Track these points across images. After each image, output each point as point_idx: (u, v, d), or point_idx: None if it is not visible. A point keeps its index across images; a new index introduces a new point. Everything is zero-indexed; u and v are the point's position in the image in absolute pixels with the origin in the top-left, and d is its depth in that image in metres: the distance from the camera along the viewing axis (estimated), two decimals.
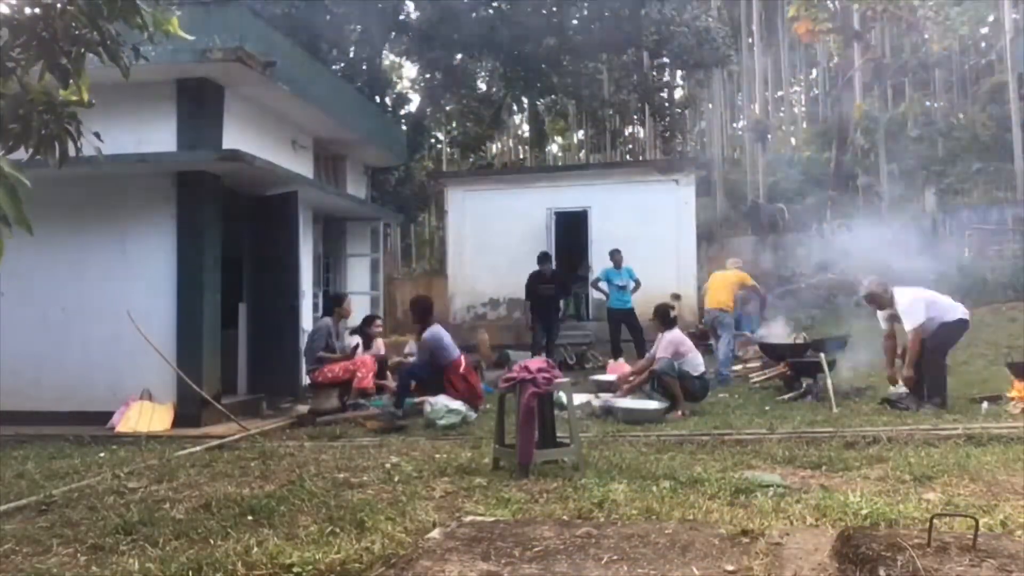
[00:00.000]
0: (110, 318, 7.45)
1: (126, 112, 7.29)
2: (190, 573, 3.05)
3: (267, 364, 8.53)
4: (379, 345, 9.12)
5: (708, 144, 36.35)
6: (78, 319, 7.68)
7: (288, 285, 8.35)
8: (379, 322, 8.72)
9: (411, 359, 8.72)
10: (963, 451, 4.97)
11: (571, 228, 14.67)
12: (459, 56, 20.40)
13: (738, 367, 10.26)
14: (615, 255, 11.76)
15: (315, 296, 9.97)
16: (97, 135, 3.45)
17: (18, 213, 2.83)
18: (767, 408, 7.48)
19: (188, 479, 4.92)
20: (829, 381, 7.57)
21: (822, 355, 8.05)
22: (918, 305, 7.01)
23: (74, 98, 3.39)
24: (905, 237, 17.84)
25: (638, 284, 11.53)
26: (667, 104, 23.07)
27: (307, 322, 8.79)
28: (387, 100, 19.90)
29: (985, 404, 6.78)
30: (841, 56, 26.27)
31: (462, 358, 8.07)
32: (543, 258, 11.80)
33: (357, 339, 8.81)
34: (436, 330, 8.08)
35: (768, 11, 33.39)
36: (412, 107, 22.17)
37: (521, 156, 40.74)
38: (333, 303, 8.66)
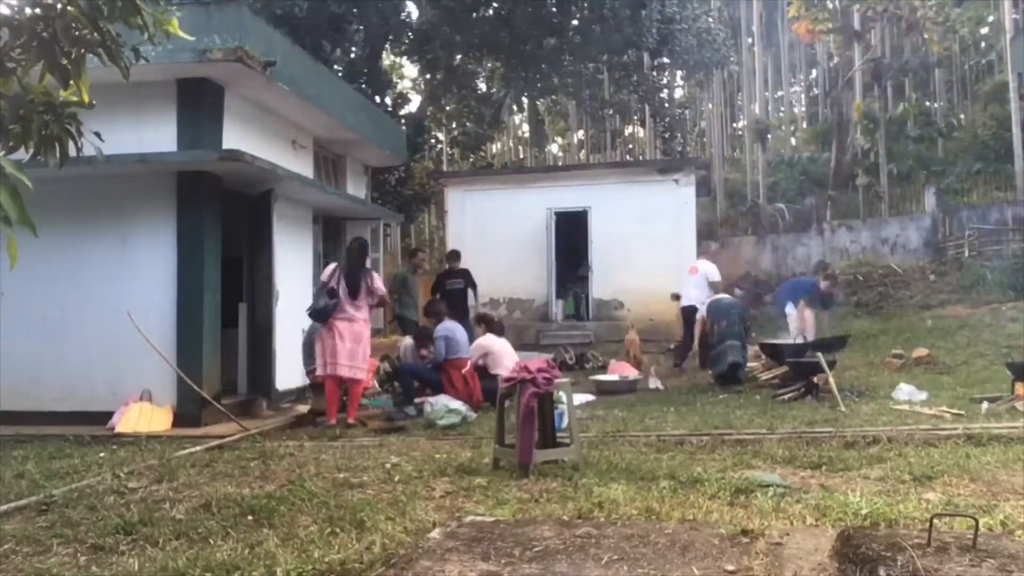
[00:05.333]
0: (110, 318, 7.46)
1: (126, 112, 7.29)
2: (190, 573, 3.06)
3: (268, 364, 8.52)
4: None
5: (708, 144, 36.35)
6: (78, 319, 7.68)
7: (264, 284, 8.36)
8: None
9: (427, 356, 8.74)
10: (963, 451, 4.98)
11: (571, 228, 14.67)
12: (459, 56, 20.39)
13: None
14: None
15: None
16: (98, 135, 3.45)
17: (21, 214, 2.83)
18: (741, 404, 7.48)
19: (188, 479, 4.92)
20: (832, 381, 7.57)
21: (820, 355, 8.05)
22: None
23: (74, 99, 3.39)
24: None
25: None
26: (667, 104, 23.05)
27: (298, 323, 8.69)
28: (387, 100, 19.89)
29: (985, 404, 6.78)
30: (841, 56, 26.26)
31: (469, 361, 8.12)
32: (452, 256, 11.97)
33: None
34: (448, 324, 8.29)
35: (768, 11, 33.39)
36: (412, 107, 22.16)
37: (521, 156, 40.74)
38: None
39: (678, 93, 31.66)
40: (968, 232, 18.11)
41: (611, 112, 30.56)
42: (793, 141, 36.32)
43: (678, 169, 15.00)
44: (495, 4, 18.95)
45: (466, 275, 11.46)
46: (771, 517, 3.54)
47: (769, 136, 29.92)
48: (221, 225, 7.90)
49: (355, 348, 7.25)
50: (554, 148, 40.90)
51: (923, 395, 7.51)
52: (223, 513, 3.97)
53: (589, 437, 5.85)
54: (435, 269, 15.56)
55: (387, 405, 8.10)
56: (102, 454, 5.90)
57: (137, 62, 3.59)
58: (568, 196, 14.94)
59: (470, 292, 11.50)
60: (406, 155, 14.16)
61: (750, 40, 31.74)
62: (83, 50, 3.33)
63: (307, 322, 8.03)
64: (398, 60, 27.39)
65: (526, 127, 37.10)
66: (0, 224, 2.83)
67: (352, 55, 19.35)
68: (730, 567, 2.80)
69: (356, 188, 11.82)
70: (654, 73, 22.63)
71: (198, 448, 5.99)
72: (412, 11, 19.98)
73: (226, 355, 8.08)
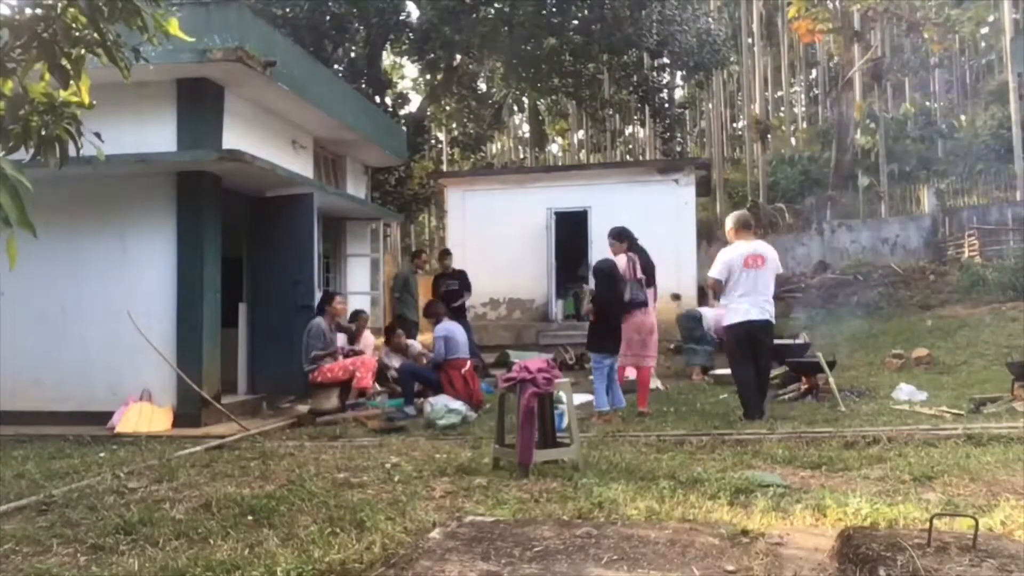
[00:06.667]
0: (110, 318, 7.46)
1: (126, 112, 7.29)
2: (190, 573, 3.06)
3: (269, 364, 8.53)
4: (367, 340, 9.05)
5: (708, 144, 36.37)
6: (78, 319, 7.68)
7: (301, 286, 8.38)
8: (364, 317, 8.75)
9: (427, 357, 8.75)
10: (963, 451, 4.97)
11: (571, 228, 14.66)
12: (459, 56, 20.39)
13: None
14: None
15: None
16: (98, 135, 3.45)
17: (21, 214, 2.83)
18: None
19: (188, 479, 4.92)
20: (832, 381, 7.57)
21: (820, 355, 8.05)
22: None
23: (74, 99, 3.39)
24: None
25: None
26: (667, 104, 23.04)
27: None
28: (387, 100, 19.88)
29: (987, 405, 6.78)
30: (841, 56, 26.28)
31: (468, 362, 8.12)
32: (444, 255, 11.81)
33: (372, 340, 8.84)
34: (447, 324, 8.28)
35: (768, 11, 33.40)
36: (412, 107, 22.15)
37: (521, 156, 40.75)
38: (323, 302, 8.66)
39: (678, 93, 31.64)
40: (968, 232, 18.12)
41: (611, 112, 30.57)
42: (793, 141, 36.33)
43: (678, 169, 15.00)
44: (495, 4, 18.95)
45: (461, 276, 11.40)
46: (771, 517, 3.54)
47: (769, 136, 29.94)
48: (221, 225, 7.90)
49: (648, 339, 7.38)
50: (554, 148, 40.91)
51: (923, 395, 7.50)
52: (223, 513, 3.96)
53: (589, 437, 5.84)
54: (435, 270, 15.55)
55: (386, 405, 8.10)
56: (102, 454, 5.89)
57: (137, 62, 3.59)
58: (568, 196, 14.94)
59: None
60: (406, 155, 14.16)
61: (750, 40, 31.74)
62: (83, 50, 3.33)
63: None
64: (398, 60, 27.40)
65: (526, 127, 37.09)
66: (0, 225, 2.83)
67: (352, 55, 19.34)
68: (730, 567, 2.80)
69: (356, 188, 11.82)
70: (654, 73, 22.60)
71: (198, 448, 5.99)
72: (412, 11, 19.96)
73: (226, 355, 8.08)
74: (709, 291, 7.02)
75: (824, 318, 13.85)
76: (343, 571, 3.03)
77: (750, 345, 6.73)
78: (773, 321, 6.92)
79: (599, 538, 3.15)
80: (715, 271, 6.92)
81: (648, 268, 7.44)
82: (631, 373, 9.37)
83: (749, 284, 6.71)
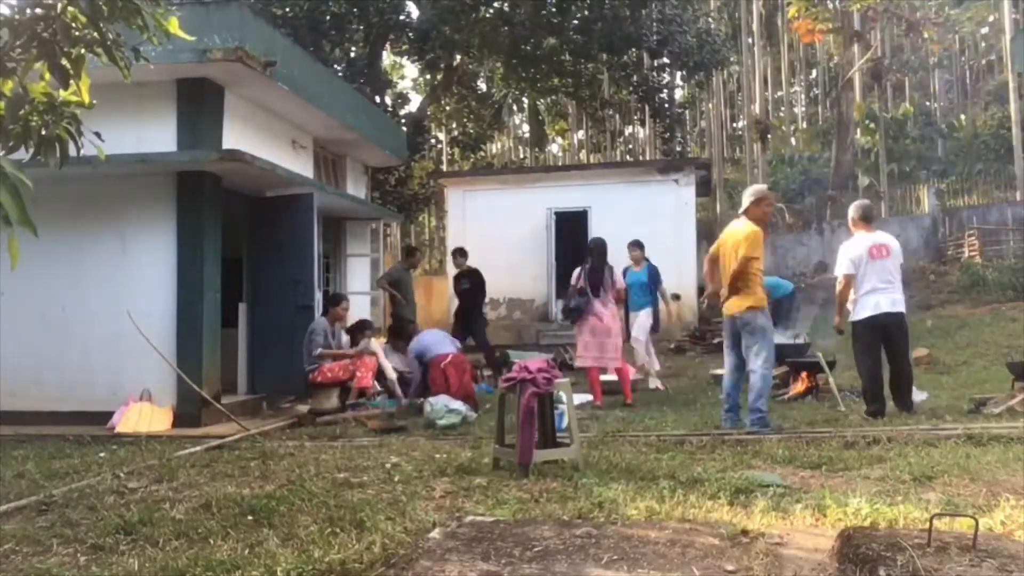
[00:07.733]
0: (110, 318, 7.46)
1: (126, 112, 7.29)
2: (190, 573, 3.06)
3: (269, 364, 8.53)
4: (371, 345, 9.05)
5: (708, 144, 36.39)
6: (78, 319, 7.68)
7: (301, 286, 8.39)
8: (368, 333, 8.80)
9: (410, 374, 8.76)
10: (963, 451, 4.97)
11: (571, 228, 14.68)
12: (459, 56, 20.40)
13: None
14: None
15: None
16: (98, 135, 3.45)
17: (21, 214, 2.83)
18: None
19: (188, 479, 4.92)
20: (832, 380, 7.57)
21: (820, 355, 8.05)
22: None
23: (74, 98, 3.39)
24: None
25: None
26: (667, 104, 23.04)
27: None
28: (387, 100, 19.89)
29: (987, 405, 6.76)
30: (841, 56, 26.28)
31: (448, 355, 8.08)
32: (458, 253, 11.54)
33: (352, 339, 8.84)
34: (417, 338, 8.54)
35: (768, 11, 33.41)
36: (412, 107, 22.17)
37: (521, 156, 40.77)
38: (331, 304, 8.67)
39: (678, 93, 31.65)
40: (968, 232, 18.13)
41: (611, 112, 30.58)
42: (793, 141, 36.35)
43: (678, 169, 15.01)
44: (495, 4, 18.95)
45: (473, 275, 11.13)
46: (771, 517, 3.54)
47: (769, 136, 29.95)
48: (221, 225, 7.91)
49: (605, 341, 8.00)
50: (554, 148, 40.92)
51: (923, 395, 7.49)
52: (223, 513, 3.96)
53: (589, 437, 5.84)
54: (433, 270, 15.55)
55: (387, 405, 8.10)
56: (102, 454, 5.89)
57: (137, 62, 3.59)
58: (568, 196, 14.95)
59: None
60: (406, 155, 14.16)
61: (750, 40, 31.74)
62: (83, 50, 3.33)
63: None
64: (398, 60, 27.41)
65: (526, 127, 37.11)
66: (0, 224, 2.83)
67: (352, 55, 19.35)
68: (730, 567, 2.80)
69: (356, 188, 11.82)
70: (654, 73, 22.61)
71: (198, 448, 5.98)
72: (412, 11, 19.97)
73: (226, 355, 8.08)
74: (838, 287, 6.77)
75: (824, 318, 13.82)
76: (343, 571, 3.03)
77: (881, 339, 6.54)
78: (905, 312, 6.70)
79: (599, 538, 3.15)
80: (842, 267, 6.70)
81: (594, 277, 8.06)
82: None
83: (876, 276, 6.54)
